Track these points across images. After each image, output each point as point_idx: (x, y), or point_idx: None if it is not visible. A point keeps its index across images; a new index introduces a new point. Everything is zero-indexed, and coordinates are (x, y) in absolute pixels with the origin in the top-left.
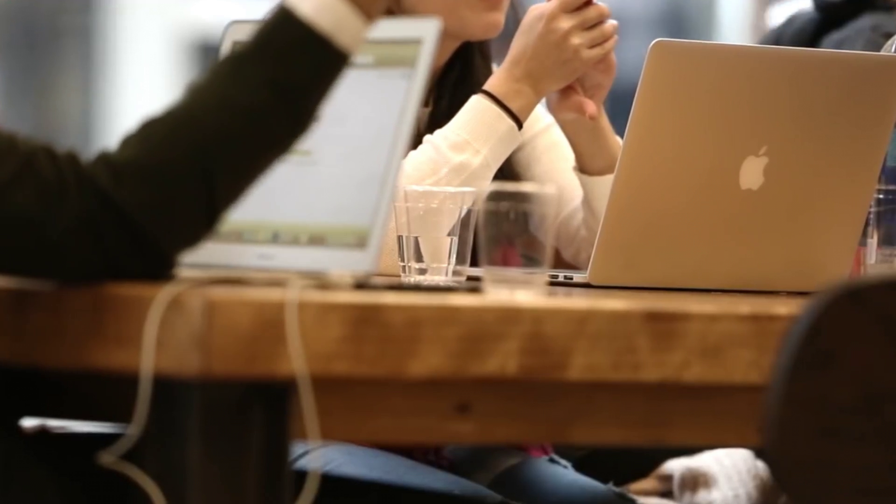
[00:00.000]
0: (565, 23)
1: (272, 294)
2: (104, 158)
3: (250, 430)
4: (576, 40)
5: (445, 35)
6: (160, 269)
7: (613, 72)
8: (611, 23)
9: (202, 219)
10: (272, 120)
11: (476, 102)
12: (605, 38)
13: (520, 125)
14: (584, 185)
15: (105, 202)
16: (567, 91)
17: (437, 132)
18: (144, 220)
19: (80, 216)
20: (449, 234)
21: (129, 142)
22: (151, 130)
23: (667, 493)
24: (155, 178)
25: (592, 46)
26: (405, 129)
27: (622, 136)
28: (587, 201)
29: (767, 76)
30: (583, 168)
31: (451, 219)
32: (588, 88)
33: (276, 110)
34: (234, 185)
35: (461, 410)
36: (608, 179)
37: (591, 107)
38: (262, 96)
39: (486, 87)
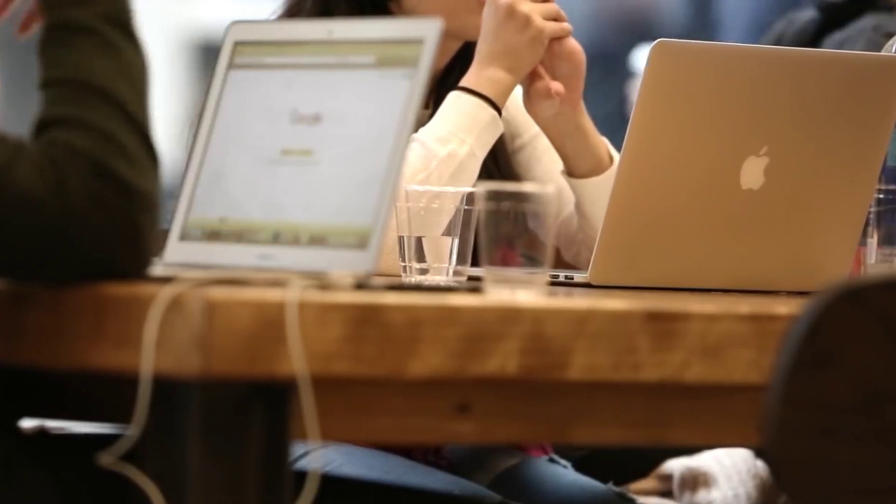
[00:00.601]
0: None
1: (272, 294)
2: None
3: (250, 431)
4: (524, 8)
5: (446, 36)
6: (153, 217)
7: (580, 59)
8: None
9: (151, 150)
10: (122, 44)
11: (454, 98)
12: (557, 13)
13: (499, 112)
14: (573, 189)
15: (98, 172)
16: (532, 78)
17: (422, 130)
18: (127, 175)
19: (79, 189)
20: (450, 235)
21: (44, 136)
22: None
23: (667, 493)
24: (103, 140)
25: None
26: (406, 130)
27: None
28: (578, 205)
29: (768, 76)
30: (570, 171)
31: (450, 218)
32: (560, 80)
33: (117, 35)
34: (143, 109)
35: (461, 410)
36: (596, 182)
37: (556, 85)
38: (104, 31)
39: (462, 83)
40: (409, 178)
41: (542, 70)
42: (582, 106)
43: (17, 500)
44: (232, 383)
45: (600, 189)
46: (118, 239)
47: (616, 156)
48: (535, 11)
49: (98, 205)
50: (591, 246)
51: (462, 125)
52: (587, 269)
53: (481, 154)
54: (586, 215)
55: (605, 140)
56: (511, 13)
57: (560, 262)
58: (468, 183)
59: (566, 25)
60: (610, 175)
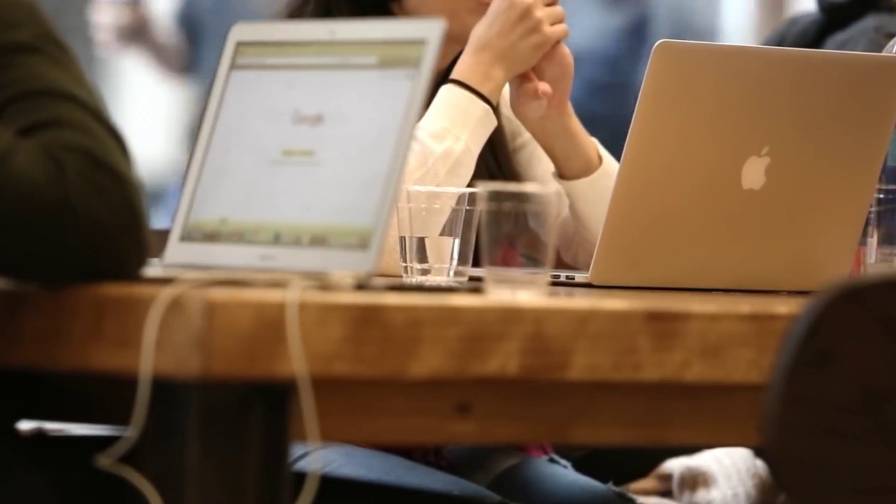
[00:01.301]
0: None
1: (273, 295)
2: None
3: (250, 431)
4: (539, 13)
5: (447, 38)
6: (147, 207)
7: (569, 62)
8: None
9: (126, 150)
10: (63, 57)
11: (447, 91)
12: (561, 17)
13: (492, 106)
14: (565, 191)
15: (94, 162)
16: (521, 80)
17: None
18: (120, 165)
19: (77, 178)
20: (451, 235)
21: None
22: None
23: (666, 493)
24: (88, 135)
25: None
26: (408, 130)
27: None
28: (571, 206)
29: (769, 77)
30: (561, 173)
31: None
32: (549, 83)
33: (56, 50)
34: (108, 112)
35: (461, 410)
36: (586, 182)
37: (543, 85)
38: (44, 48)
39: (455, 75)
40: (407, 176)
41: (530, 72)
42: (570, 108)
43: (15, 502)
44: (232, 384)
45: (592, 189)
46: (120, 225)
47: (605, 155)
48: (546, 17)
49: (98, 192)
50: (588, 247)
51: (456, 121)
52: (587, 269)
53: (476, 149)
54: (580, 216)
55: (594, 140)
56: (525, 15)
57: (560, 264)
58: (465, 179)
59: (566, 28)
60: (600, 175)
